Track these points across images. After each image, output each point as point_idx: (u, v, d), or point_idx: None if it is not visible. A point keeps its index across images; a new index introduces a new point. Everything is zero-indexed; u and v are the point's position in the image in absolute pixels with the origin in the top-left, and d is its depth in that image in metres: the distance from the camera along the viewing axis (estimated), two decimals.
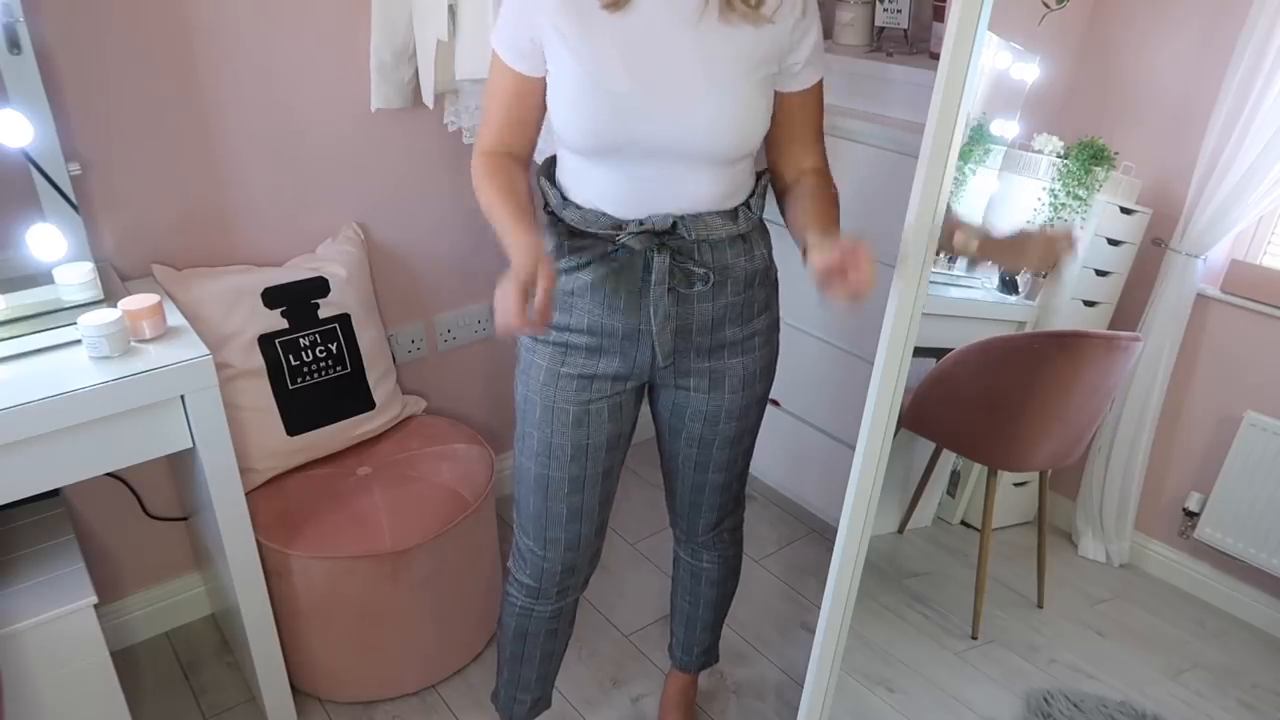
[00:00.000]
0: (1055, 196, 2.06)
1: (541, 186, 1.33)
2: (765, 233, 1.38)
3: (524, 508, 1.44)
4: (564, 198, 1.30)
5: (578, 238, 1.29)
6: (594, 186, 1.26)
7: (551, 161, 1.35)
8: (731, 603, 1.73)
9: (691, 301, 1.30)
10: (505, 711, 1.66)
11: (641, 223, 1.24)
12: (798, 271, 2.33)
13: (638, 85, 1.17)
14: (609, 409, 1.37)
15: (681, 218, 1.24)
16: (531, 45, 1.21)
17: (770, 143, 1.31)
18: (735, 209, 1.29)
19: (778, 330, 1.44)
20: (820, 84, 1.29)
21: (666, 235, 1.25)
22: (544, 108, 1.27)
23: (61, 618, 1.47)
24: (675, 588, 1.74)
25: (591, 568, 1.52)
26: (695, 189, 1.25)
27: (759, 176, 1.34)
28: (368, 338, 1.93)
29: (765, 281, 1.38)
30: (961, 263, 2.22)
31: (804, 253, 1.23)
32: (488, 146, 1.30)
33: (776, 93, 1.27)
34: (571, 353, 1.33)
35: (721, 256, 1.30)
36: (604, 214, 1.26)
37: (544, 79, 1.24)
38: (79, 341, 1.42)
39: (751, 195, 1.31)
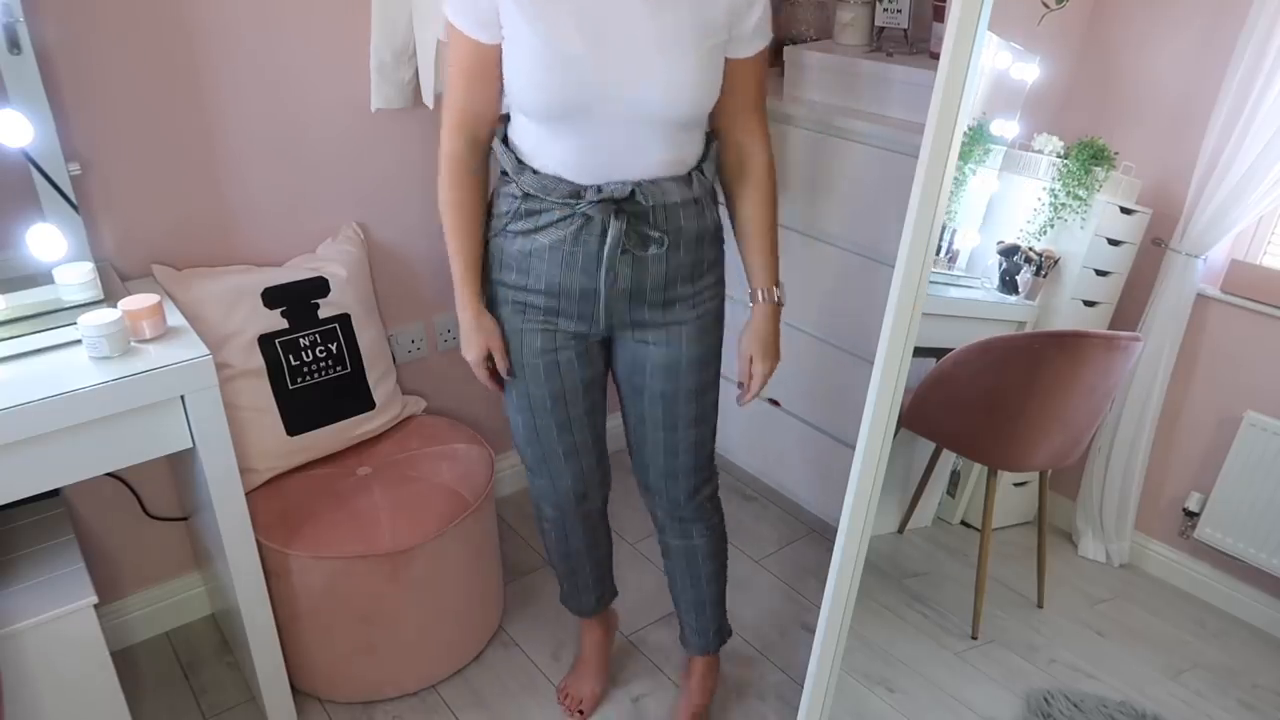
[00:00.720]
0: (1055, 196, 2.06)
1: (497, 150, 1.36)
2: (714, 195, 1.43)
3: (526, 455, 1.56)
4: (520, 162, 1.33)
5: (534, 200, 1.32)
6: (552, 152, 1.29)
7: (505, 120, 1.38)
8: (727, 573, 1.77)
9: (645, 263, 1.36)
10: (577, 611, 1.83)
11: (600, 190, 1.28)
12: (796, 274, 2.33)
13: (592, 50, 1.20)
14: (575, 356, 1.45)
15: (639, 184, 1.28)
16: (488, 13, 1.24)
17: (715, 110, 1.35)
18: (689, 174, 1.34)
19: (724, 285, 1.50)
20: (765, 52, 1.34)
21: (624, 201, 1.29)
22: (501, 99, 1.32)
23: (61, 618, 1.47)
24: (673, 578, 1.75)
25: (606, 487, 1.65)
26: (651, 155, 1.29)
27: (709, 141, 1.38)
28: (368, 338, 1.93)
29: (714, 240, 1.44)
30: (962, 262, 2.22)
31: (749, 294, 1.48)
32: (456, 121, 1.33)
33: (725, 59, 1.31)
34: (530, 310, 1.40)
35: (675, 219, 1.35)
36: (562, 180, 1.30)
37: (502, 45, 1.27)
38: (79, 341, 1.42)
39: (704, 160, 1.36)
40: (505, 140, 1.36)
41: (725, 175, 1.44)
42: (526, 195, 1.33)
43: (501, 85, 1.31)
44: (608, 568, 1.80)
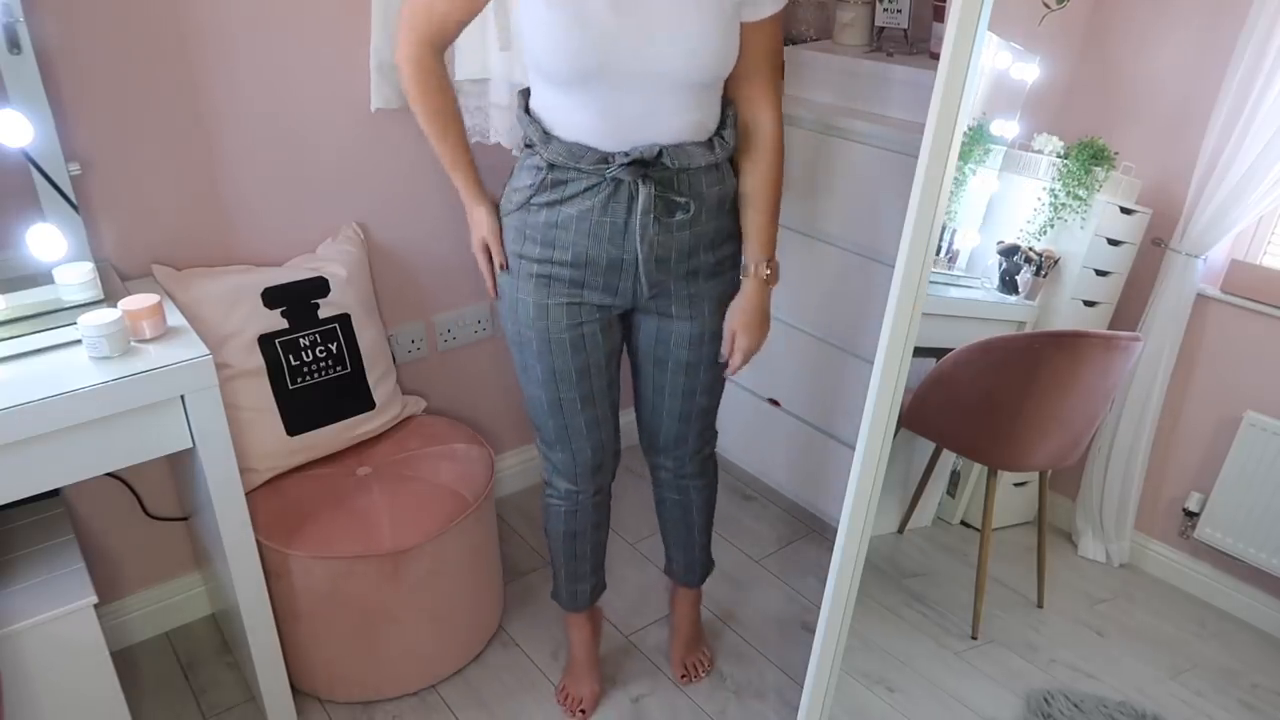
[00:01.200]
0: (1055, 196, 2.06)
1: (521, 122, 1.37)
2: (733, 161, 1.45)
3: (545, 429, 1.56)
4: (546, 132, 1.34)
5: (559, 170, 1.33)
6: (576, 119, 1.30)
7: (526, 94, 1.39)
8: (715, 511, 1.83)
9: (671, 230, 1.37)
10: (570, 604, 1.83)
11: (628, 154, 1.29)
12: (795, 273, 2.33)
13: (614, 11, 1.21)
14: (600, 329, 1.46)
15: (666, 147, 1.30)
16: None
17: (730, 77, 1.35)
18: (710, 139, 1.35)
19: (740, 256, 1.50)
20: (779, 17, 1.34)
21: (651, 166, 1.30)
22: (467, 25, 1.34)
23: (61, 618, 1.47)
24: (666, 523, 1.81)
25: (615, 462, 1.67)
26: (673, 118, 1.30)
27: (726, 107, 1.39)
28: (368, 338, 1.93)
29: (733, 207, 1.45)
30: (962, 262, 2.22)
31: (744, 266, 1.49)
32: (418, 35, 1.33)
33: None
34: (555, 283, 1.41)
35: (698, 185, 1.36)
36: (589, 148, 1.31)
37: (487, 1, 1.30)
38: (79, 341, 1.42)
39: (724, 126, 1.38)
40: (527, 111, 1.37)
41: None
42: (552, 166, 1.33)
43: (460, 31, 1.35)
44: (603, 556, 1.82)
